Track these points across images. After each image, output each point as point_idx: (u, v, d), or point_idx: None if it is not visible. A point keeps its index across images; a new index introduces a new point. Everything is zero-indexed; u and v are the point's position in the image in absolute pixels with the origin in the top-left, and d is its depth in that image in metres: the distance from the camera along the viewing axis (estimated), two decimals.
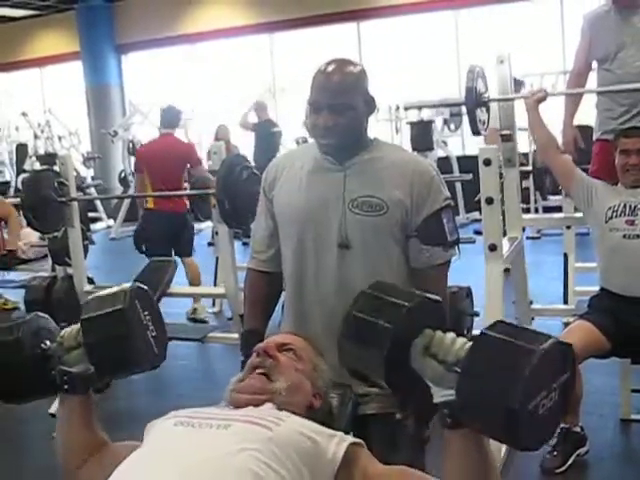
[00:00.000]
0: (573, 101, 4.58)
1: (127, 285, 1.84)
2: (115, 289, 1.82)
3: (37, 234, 7.44)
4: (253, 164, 4.67)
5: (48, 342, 1.81)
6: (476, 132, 3.85)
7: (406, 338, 1.53)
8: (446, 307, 1.90)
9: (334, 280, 2.19)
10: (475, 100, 3.74)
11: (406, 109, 8.84)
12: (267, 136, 10.36)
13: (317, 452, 1.55)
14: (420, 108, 8.56)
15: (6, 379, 1.78)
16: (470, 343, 1.46)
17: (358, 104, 2.18)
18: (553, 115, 6.03)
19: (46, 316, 1.91)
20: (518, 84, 6.64)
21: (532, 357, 1.33)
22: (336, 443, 1.58)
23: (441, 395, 1.49)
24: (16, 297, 7.31)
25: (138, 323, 1.77)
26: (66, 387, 1.79)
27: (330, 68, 2.17)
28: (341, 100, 2.14)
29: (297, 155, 2.42)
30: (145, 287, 1.89)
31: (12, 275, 8.16)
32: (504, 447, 3.49)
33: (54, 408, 4.19)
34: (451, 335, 1.53)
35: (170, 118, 6.81)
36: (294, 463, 1.51)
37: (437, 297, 1.69)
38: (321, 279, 2.22)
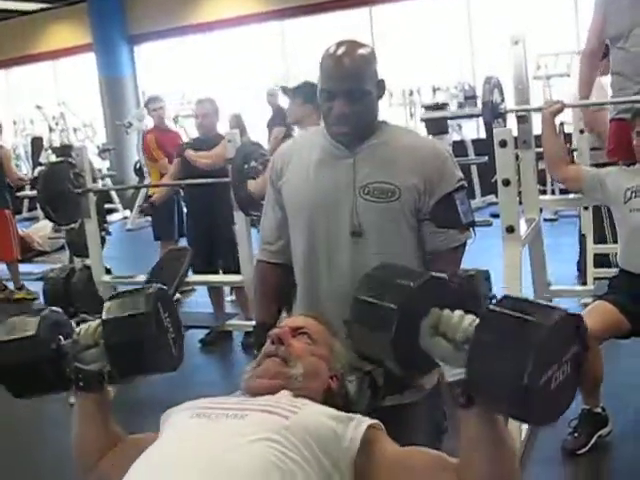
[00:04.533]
0: (587, 82, 4.54)
1: (150, 287, 1.81)
2: (137, 290, 1.80)
3: (51, 226, 7.50)
4: None
5: (62, 338, 1.79)
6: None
7: (413, 318, 1.51)
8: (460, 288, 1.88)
9: (348, 269, 2.13)
10: (492, 113, 3.72)
11: (422, 120, 8.77)
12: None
13: (335, 438, 1.54)
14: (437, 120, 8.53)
15: (21, 375, 1.76)
16: (478, 320, 1.44)
17: (372, 89, 2.13)
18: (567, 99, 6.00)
19: (59, 310, 1.88)
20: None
21: (541, 331, 1.31)
22: (354, 427, 1.56)
23: (452, 374, 1.47)
24: (35, 289, 7.37)
25: (160, 326, 1.76)
26: (81, 384, 1.78)
27: (340, 51, 2.10)
28: (357, 86, 2.09)
29: (303, 142, 2.36)
30: (165, 287, 1.87)
31: (31, 267, 8.22)
32: (525, 428, 3.49)
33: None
34: (459, 312, 1.50)
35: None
36: (312, 452, 1.50)
37: (443, 275, 1.65)
38: (334, 269, 2.17)
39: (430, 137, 8.45)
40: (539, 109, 3.99)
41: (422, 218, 2.16)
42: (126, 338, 1.71)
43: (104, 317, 1.74)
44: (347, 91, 2.08)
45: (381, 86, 2.18)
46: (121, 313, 1.73)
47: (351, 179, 2.13)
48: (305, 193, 2.20)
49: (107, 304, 1.77)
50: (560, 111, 3.91)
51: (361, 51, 2.13)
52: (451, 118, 9.61)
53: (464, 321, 1.47)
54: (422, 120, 8.81)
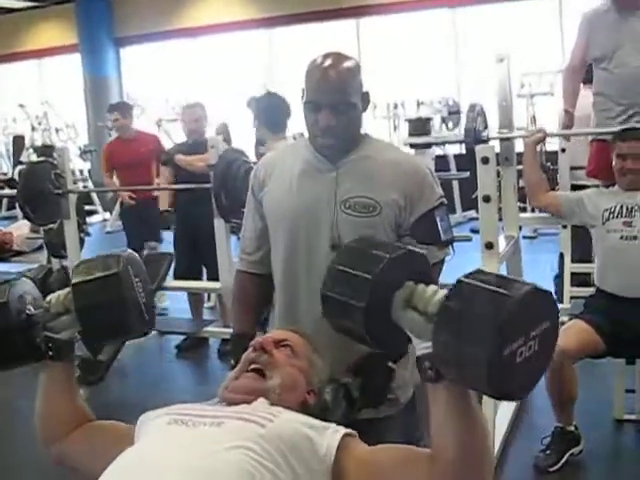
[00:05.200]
0: (570, 93, 4.62)
1: (118, 250, 1.79)
2: (106, 254, 1.77)
3: (28, 226, 7.45)
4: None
5: (32, 308, 1.76)
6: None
7: (387, 290, 1.49)
8: None
9: None
10: (474, 139, 3.77)
11: (405, 144, 8.81)
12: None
13: (311, 447, 1.53)
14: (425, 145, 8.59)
15: None
16: None
17: (357, 101, 2.14)
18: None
19: (29, 282, 1.85)
20: None
21: (507, 303, 1.29)
22: (329, 436, 1.56)
23: (422, 347, 1.45)
24: None
25: (131, 288, 1.73)
26: (51, 354, 1.76)
27: (326, 63, 2.10)
28: (343, 99, 2.09)
29: (286, 154, 2.35)
30: (135, 253, 1.84)
31: (7, 266, 8.16)
32: (498, 444, 3.50)
33: None
34: (433, 287, 1.48)
35: None
36: (287, 460, 1.49)
37: (420, 250, 1.64)
38: (314, 281, 2.12)
39: (413, 152, 8.48)
40: (521, 136, 4.04)
41: (402, 234, 2.16)
42: (96, 300, 1.68)
43: (73, 281, 1.71)
44: (333, 103, 2.08)
45: (366, 98, 2.19)
46: (91, 275, 1.70)
47: (333, 193, 2.14)
48: (286, 205, 2.20)
49: (76, 269, 1.74)
50: (542, 140, 3.97)
51: (347, 64, 2.13)
52: (435, 144, 9.65)
53: (437, 295, 1.45)
54: (405, 145, 8.83)
